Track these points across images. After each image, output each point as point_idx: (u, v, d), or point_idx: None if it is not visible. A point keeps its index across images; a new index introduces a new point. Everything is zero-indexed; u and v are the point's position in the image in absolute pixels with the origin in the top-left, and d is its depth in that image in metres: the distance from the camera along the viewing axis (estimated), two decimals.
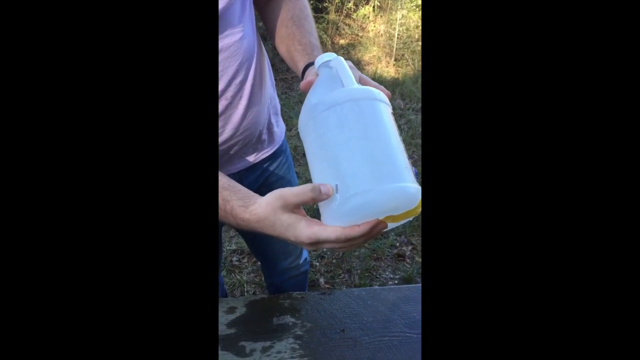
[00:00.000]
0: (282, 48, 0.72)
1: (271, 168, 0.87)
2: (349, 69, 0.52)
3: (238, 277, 1.71)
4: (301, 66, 0.66)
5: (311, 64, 0.64)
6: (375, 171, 0.44)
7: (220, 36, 0.63)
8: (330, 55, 0.54)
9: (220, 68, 0.64)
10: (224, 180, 0.55)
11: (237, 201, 0.52)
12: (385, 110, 0.49)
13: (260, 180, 0.86)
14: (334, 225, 0.46)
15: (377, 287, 1.03)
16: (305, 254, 1.06)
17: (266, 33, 0.78)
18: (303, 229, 0.47)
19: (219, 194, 0.53)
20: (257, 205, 0.50)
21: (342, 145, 0.45)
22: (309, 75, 0.60)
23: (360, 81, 0.54)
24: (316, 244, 0.47)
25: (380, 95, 0.50)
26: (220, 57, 0.64)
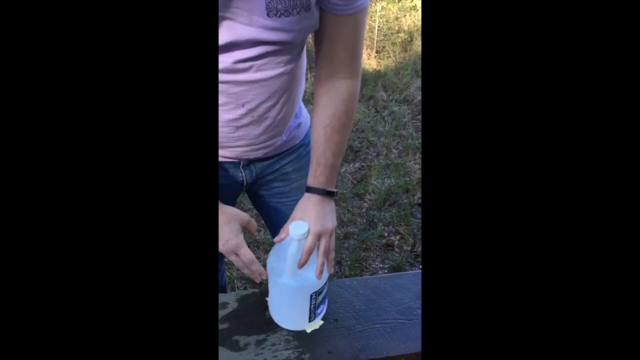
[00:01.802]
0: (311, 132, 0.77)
1: (286, 160, 0.89)
2: (296, 258, 0.67)
3: (228, 273, 1.70)
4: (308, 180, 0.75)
5: (310, 188, 0.74)
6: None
7: (261, 65, 0.68)
8: (302, 230, 0.67)
9: (253, 94, 0.71)
10: None
11: None
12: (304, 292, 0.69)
13: (274, 167, 0.88)
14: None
15: (368, 276, 1.03)
16: None
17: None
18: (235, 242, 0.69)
19: None
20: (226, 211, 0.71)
21: (275, 299, 0.74)
22: (284, 230, 0.70)
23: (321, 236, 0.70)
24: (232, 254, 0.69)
25: (308, 285, 0.68)
26: (255, 85, 0.70)
